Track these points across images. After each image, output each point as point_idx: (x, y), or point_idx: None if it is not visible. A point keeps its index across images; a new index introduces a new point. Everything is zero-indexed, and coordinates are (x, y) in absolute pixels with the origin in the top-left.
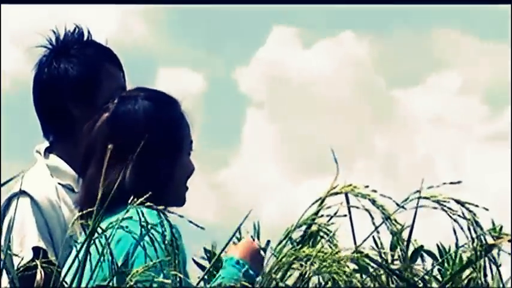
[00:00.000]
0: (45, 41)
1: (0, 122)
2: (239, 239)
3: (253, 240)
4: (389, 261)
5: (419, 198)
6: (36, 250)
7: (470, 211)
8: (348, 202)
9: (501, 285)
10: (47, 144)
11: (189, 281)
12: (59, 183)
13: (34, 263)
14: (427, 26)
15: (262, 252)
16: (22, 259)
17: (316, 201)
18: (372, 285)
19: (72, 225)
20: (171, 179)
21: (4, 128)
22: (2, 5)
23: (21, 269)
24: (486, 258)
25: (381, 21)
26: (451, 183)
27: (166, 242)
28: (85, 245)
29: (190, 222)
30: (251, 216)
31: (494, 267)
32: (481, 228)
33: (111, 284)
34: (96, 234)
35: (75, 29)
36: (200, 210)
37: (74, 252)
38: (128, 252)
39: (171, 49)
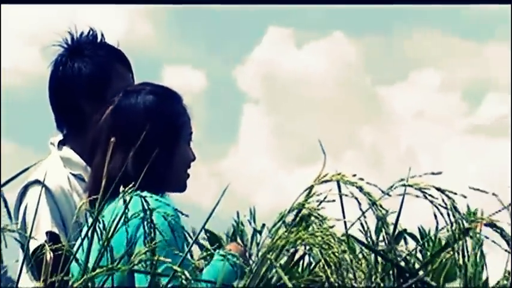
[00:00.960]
0: (61, 41)
1: (0, 117)
2: (238, 224)
3: (239, 244)
4: (375, 243)
5: (403, 186)
6: (49, 234)
7: (449, 198)
8: (339, 189)
9: (479, 266)
10: (60, 137)
11: (190, 259)
12: (71, 173)
13: (46, 246)
14: (409, 27)
15: (246, 254)
16: (37, 242)
17: (308, 188)
18: (359, 265)
19: (78, 211)
20: (169, 166)
21: (21, 121)
22: (2, 5)
23: (36, 251)
24: (466, 240)
25: (368, 23)
26: (432, 173)
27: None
28: (91, 228)
29: (176, 210)
30: (248, 201)
31: (470, 249)
32: (459, 213)
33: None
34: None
35: (89, 31)
36: (201, 195)
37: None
38: (132, 234)
39: (174, 48)
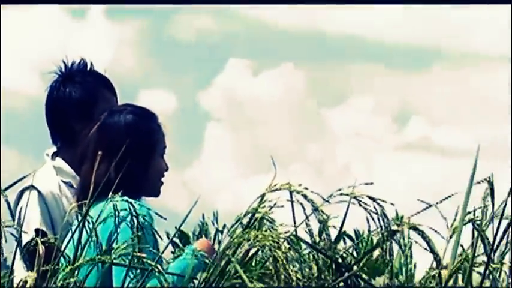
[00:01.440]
0: (56, 69)
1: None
2: (203, 224)
3: (209, 240)
4: (317, 242)
5: (341, 194)
6: (38, 231)
7: (379, 205)
8: (291, 197)
9: (404, 264)
10: (54, 149)
11: (161, 256)
12: (62, 181)
13: (34, 241)
14: (347, 60)
15: (215, 248)
16: (27, 237)
17: (261, 195)
18: (303, 260)
19: (69, 212)
20: (146, 175)
21: (23, 135)
22: (2, 5)
23: (26, 244)
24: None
25: (314, 56)
26: (366, 183)
27: (139, 224)
28: (80, 226)
29: (157, 214)
30: (212, 206)
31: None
32: (387, 218)
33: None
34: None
35: (80, 61)
36: (174, 200)
37: (70, 233)
38: (111, 231)
39: (151, 75)
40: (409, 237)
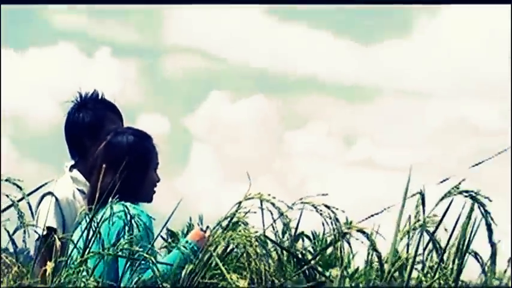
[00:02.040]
0: (73, 98)
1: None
2: (190, 225)
3: (201, 229)
4: (282, 241)
5: (302, 203)
6: (49, 228)
7: (333, 212)
8: (261, 204)
9: (351, 258)
10: (72, 162)
11: (156, 252)
12: (77, 188)
13: (50, 237)
14: (307, 93)
15: (206, 236)
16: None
17: (237, 203)
18: (270, 255)
19: (80, 214)
20: (142, 185)
21: (46, 151)
22: (2, 5)
23: (39, 238)
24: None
25: (281, 89)
26: (322, 194)
27: (141, 224)
28: (88, 225)
29: (149, 216)
30: (197, 210)
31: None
32: (339, 222)
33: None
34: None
35: (94, 91)
36: (164, 205)
37: (79, 231)
38: (119, 231)
39: (150, 102)
40: (356, 238)
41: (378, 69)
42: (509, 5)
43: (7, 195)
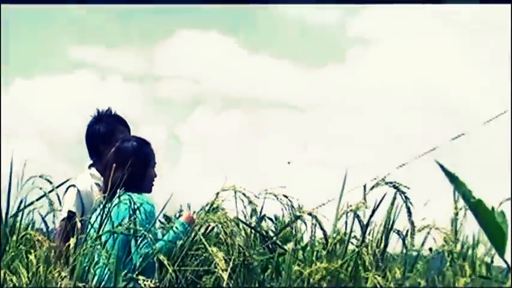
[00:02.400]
0: (92, 114)
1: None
2: (180, 211)
3: (191, 212)
4: (250, 222)
5: (266, 193)
6: (69, 212)
7: (290, 200)
8: (235, 194)
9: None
10: (90, 162)
11: (157, 231)
12: (95, 182)
13: (71, 219)
14: (273, 107)
15: (195, 218)
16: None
17: (216, 192)
18: (241, 233)
19: (96, 202)
20: (143, 179)
21: (70, 153)
22: (2, 5)
23: (64, 220)
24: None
25: (251, 104)
26: (282, 187)
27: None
28: (104, 210)
29: (147, 202)
30: (186, 200)
31: (304, 227)
32: (294, 208)
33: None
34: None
35: (108, 109)
36: (161, 195)
37: (95, 215)
38: (125, 215)
39: (151, 116)
40: (307, 220)
41: (321, 90)
42: (510, 5)
43: (40, 188)
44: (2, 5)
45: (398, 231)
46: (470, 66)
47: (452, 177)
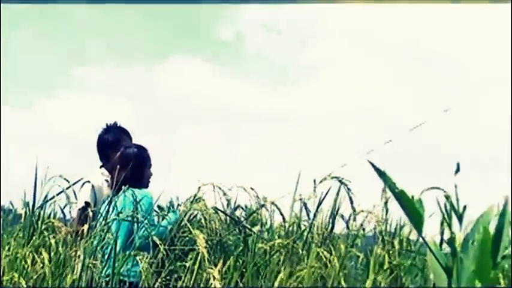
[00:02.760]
0: (102, 126)
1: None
2: (171, 203)
3: (178, 204)
4: (226, 210)
5: (237, 187)
6: (86, 202)
7: (256, 193)
8: (214, 188)
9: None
10: (101, 164)
11: (153, 217)
12: (105, 179)
13: (86, 209)
14: (245, 120)
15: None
16: (81, 205)
17: (199, 187)
18: (218, 219)
19: (106, 196)
20: (142, 177)
21: (86, 157)
22: (2, 5)
23: (80, 209)
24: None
25: (228, 117)
26: (250, 182)
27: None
28: (111, 202)
29: (147, 195)
30: (175, 193)
31: (268, 214)
32: (259, 198)
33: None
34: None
35: (114, 123)
36: (156, 189)
37: (103, 206)
38: (128, 206)
39: (144, 126)
40: (270, 208)
41: (285, 105)
42: (510, 5)
43: (59, 185)
44: (2, 5)
45: (342, 215)
46: (397, 85)
47: (380, 173)
